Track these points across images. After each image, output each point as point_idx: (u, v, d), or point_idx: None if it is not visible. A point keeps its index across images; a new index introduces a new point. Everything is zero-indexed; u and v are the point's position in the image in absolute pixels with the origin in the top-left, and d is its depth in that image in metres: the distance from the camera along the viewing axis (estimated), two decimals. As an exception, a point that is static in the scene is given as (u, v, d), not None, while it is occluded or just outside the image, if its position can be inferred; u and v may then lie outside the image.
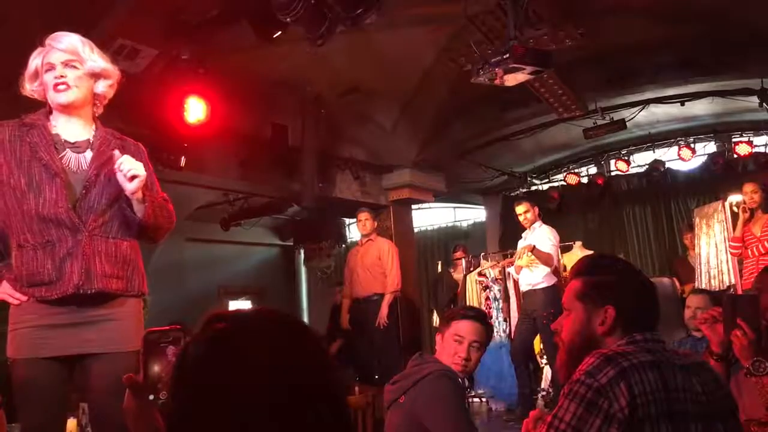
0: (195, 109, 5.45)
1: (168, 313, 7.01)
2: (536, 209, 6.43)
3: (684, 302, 4.73)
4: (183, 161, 5.88)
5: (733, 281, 7.39)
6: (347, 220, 10.94)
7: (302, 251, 11.62)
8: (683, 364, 1.67)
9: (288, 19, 4.50)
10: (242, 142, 6.85)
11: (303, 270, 12.75)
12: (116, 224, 2.45)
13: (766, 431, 2.28)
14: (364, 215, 7.18)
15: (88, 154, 2.43)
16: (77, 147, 2.43)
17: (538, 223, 6.37)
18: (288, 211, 10.27)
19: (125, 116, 2.60)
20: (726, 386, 1.73)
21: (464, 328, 2.84)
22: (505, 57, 4.74)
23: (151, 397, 1.30)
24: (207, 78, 5.29)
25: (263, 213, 10.04)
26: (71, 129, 2.45)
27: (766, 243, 5.70)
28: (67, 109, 2.41)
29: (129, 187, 2.33)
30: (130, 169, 2.31)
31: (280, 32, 4.71)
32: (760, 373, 2.29)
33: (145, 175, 2.36)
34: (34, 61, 2.41)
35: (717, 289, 7.12)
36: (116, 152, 2.37)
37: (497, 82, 5.02)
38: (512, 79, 5.01)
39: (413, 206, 9.25)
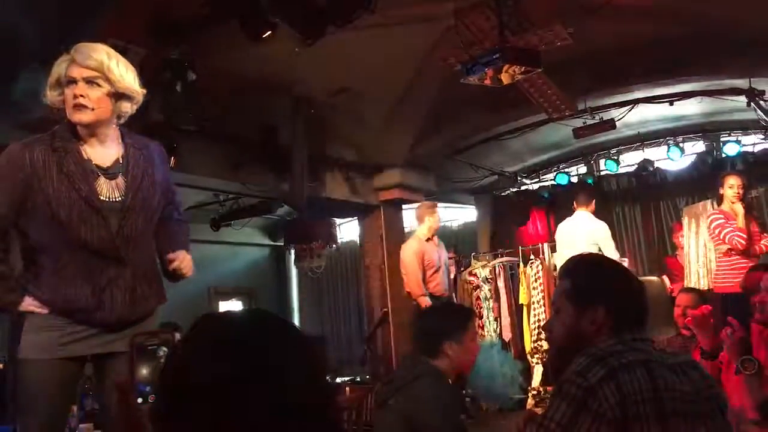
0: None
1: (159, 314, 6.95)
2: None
3: (674, 301, 4.75)
4: (173, 161, 5.85)
5: (722, 280, 7.42)
6: (338, 221, 10.93)
7: (293, 251, 11.59)
8: (672, 363, 1.68)
9: (277, 19, 4.49)
10: (232, 143, 6.83)
11: (294, 270, 12.73)
12: (147, 243, 2.51)
13: (756, 430, 2.29)
14: (437, 209, 7.08)
15: (121, 181, 2.40)
16: (110, 174, 2.39)
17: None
18: (278, 212, 10.24)
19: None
20: (715, 385, 1.74)
21: None
22: (494, 57, 4.75)
23: (140, 400, 1.29)
24: (195, 77, 5.26)
25: (253, 213, 10.01)
26: (101, 152, 2.40)
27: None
28: (87, 127, 2.36)
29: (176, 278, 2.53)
30: (190, 271, 2.52)
31: (269, 32, 4.69)
32: (749, 371, 2.31)
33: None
34: (57, 69, 2.33)
35: (706, 288, 7.16)
36: (170, 255, 2.53)
37: (487, 82, 5.03)
38: (502, 79, 5.02)
39: (404, 206, 9.25)
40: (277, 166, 7.13)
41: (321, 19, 4.53)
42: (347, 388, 6.16)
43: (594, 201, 7.15)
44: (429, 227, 6.79)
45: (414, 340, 2.89)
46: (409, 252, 6.73)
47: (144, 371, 1.29)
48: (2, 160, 2.32)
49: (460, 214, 11.67)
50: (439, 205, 11.30)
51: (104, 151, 2.41)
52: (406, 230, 9.66)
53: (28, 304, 2.34)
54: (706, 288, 7.18)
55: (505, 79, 5.04)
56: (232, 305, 11.55)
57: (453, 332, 2.86)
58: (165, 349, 1.27)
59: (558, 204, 9.96)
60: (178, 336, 1.15)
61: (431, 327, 2.85)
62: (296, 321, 12.77)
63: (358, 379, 9.72)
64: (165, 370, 1.00)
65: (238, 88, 6.15)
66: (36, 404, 2.30)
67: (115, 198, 2.37)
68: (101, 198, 2.34)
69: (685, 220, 7.96)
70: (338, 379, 9.99)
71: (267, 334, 1.00)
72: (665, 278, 7.85)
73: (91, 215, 2.31)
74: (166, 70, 5.06)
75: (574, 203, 7.11)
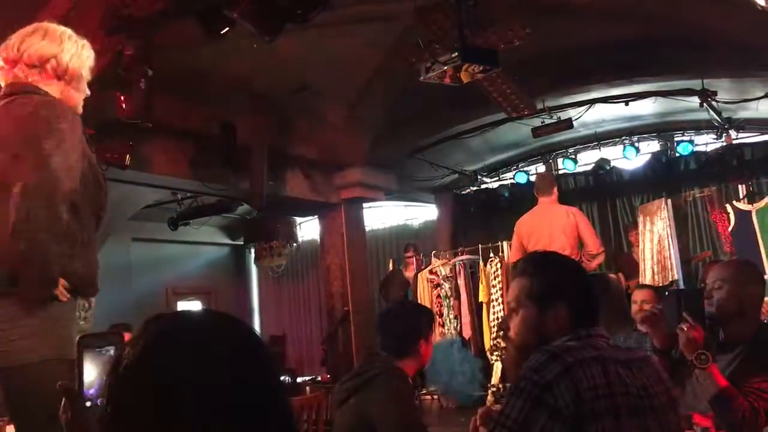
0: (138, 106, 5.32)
1: (114, 315, 6.84)
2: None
3: (629, 297, 4.83)
4: (128, 159, 5.75)
5: (676, 277, 7.60)
6: (298, 219, 10.87)
7: (252, 250, 11.51)
8: (626, 359, 1.70)
9: (235, 15, 4.44)
10: (191, 140, 6.74)
11: (254, 269, 12.63)
12: None
13: (708, 423, 2.34)
14: None
15: None
16: None
17: None
18: (238, 210, 10.15)
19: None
20: (667, 381, 1.76)
21: None
22: (453, 56, 4.76)
23: (88, 404, 1.25)
24: (152, 74, 5.17)
25: (212, 212, 9.91)
26: None
27: None
28: None
29: None
30: None
31: (227, 28, 4.63)
32: (704, 366, 2.35)
33: None
34: (88, 62, 2.31)
35: (661, 285, 7.31)
36: None
37: (446, 80, 5.05)
38: (461, 78, 5.04)
39: (364, 205, 9.24)
40: (237, 164, 7.05)
41: (279, 17, 4.49)
42: (307, 388, 6.13)
43: None
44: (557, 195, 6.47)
45: (386, 341, 2.87)
46: None
47: (92, 374, 1.25)
48: (67, 120, 2.16)
49: (421, 213, 11.71)
50: (400, 203, 11.40)
51: None
52: (367, 229, 9.66)
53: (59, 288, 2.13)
54: (661, 284, 7.35)
55: (464, 77, 5.06)
56: (190, 305, 11.40)
57: (426, 330, 2.89)
58: (112, 350, 1.24)
59: (517, 203, 10.05)
60: (127, 337, 1.12)
61: (408, 327, 2.86)
62: (256, 320, 12.69)
63: (319, 379, 9.68)
64: (112, 372, 0.98)
65: (197, 84, 6.07)
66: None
67: None
68: None
69: (640, 218, 8.12)
70: (299, 379, 9.95)
71: (216, 334, 0.98)
72: (621, 275, 7.99)
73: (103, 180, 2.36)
74: (121, 66, 4.96)
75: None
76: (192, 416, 0.90)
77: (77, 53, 2.27)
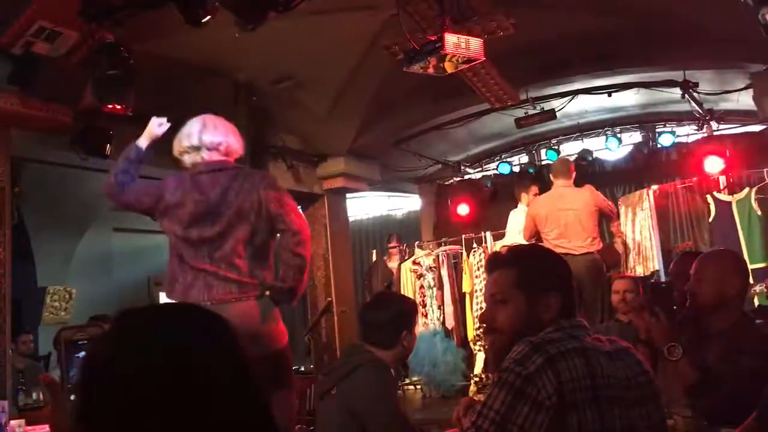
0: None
1: (96, 306, 6.80)
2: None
3: (610, 288, 4.87)
4: (109, 149, 5.68)
5: (657, 267, 7.67)
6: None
7: (236, 241, 11.43)
8: (608, 350, 1.70)
9: (217, 3, 4.38)
10: (172, 130, 6.66)
11: (237, 260, 12.55)
12: None
13: (687, 413, 2.36)
14: None
15: None
16: None
17: None
18: (221, 200, 10.07)
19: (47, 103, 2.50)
20: (649, 371, 1.77)
21: None
22: (437, 46, 4.74)
23: (73, 397, 1.24)
24: (132, 62, 5.09)
25: (194, 202, 9.81)
26: None
27: None
28: None
29: None
30: None
31: (209, 17, 4.57)
32: (674, 358, 2.38)
33: None
34: (240, 141, 3.51)
35: (642, 275, 7.38)
36: None
37: (430, 71, 5.02)
38: (445, 68, 5.02)
39: (347, 195, 9.22)
40: (219, 154, 6.99)
41: (262, 4, 4.44)
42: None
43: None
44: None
45: (369, 332, 2.86)
46: None
47: (75, 367, 1.24)
48: None
49: (404, 203, 11.71)
50: (383, 194, 11.38)
51: None
52: (351, 219, 9.64)
53: None
54: (642, 275, 7.41)
55: (448, 68, 5.04)
56: (173, 295, 11.32)
57: (410, 321, 2.88)
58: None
59: (500, 193, 10.09)
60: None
61: (392, 318, 2.85)
62: (239, 311, 12.62)
63: (302, 369, 9.67)
64: (84, 367, 0.96)
65: (178, 74, 6.00)
66: None
67: None
68: None
69: (621, 209, 8.18)
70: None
71: (187, 328, 0.97)
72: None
73: None
74: (100, 54, 4.89)
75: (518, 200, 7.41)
76: (162, 412, 0.89)
77: (237, 138, 3.39)
